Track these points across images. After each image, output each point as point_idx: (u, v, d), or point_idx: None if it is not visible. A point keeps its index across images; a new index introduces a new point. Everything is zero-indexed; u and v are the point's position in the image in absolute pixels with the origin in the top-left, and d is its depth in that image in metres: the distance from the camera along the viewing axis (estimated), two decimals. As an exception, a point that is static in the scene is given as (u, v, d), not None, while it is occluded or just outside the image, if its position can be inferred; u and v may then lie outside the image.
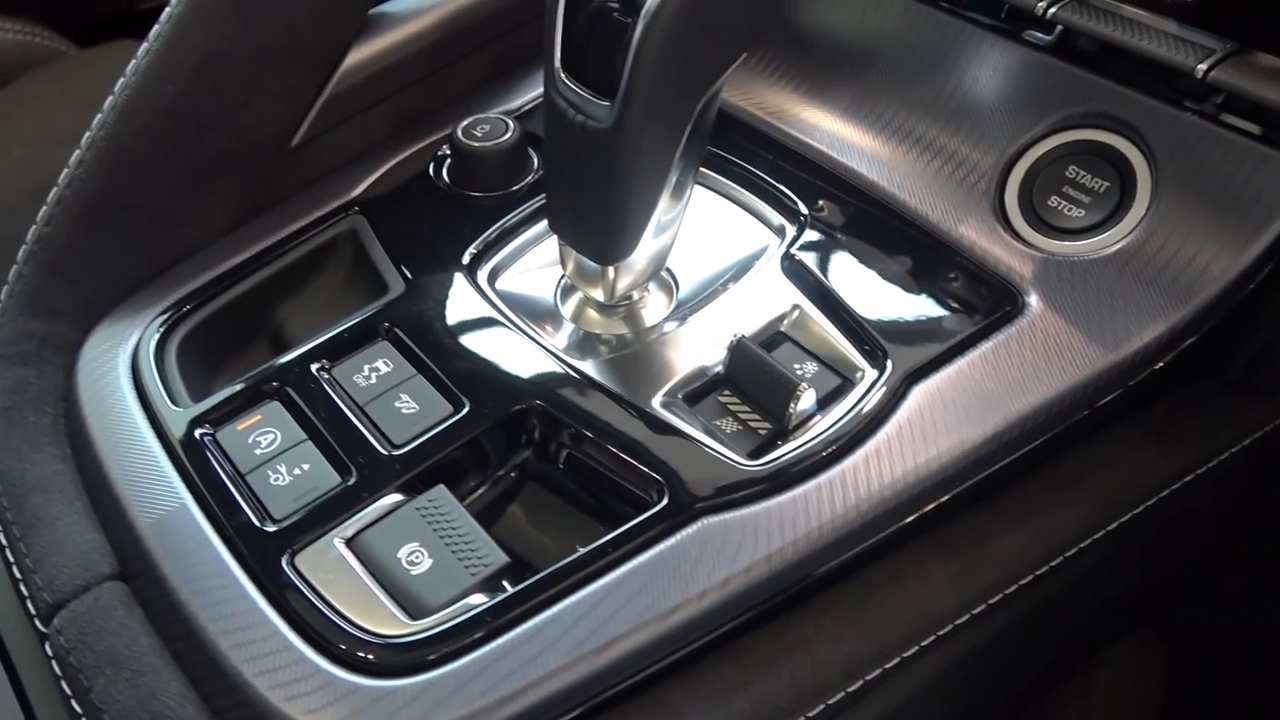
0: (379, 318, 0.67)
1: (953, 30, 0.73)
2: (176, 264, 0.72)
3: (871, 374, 0.62)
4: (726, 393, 0.63)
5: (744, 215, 0.74)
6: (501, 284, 0.71)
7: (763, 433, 0.61)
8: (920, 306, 0.65)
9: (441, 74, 0.82)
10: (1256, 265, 0.62)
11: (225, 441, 0.61)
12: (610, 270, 0.64)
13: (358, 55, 0.76)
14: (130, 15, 1.53)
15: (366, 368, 0.64)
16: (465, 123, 0.76)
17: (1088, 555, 0.64)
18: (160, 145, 0.69)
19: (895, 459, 0.58)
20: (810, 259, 0.68)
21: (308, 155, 0.76)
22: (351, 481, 0.59)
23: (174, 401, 0.64)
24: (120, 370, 0.66)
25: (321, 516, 0.57)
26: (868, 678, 0.57)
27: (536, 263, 0.73)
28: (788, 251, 0.69)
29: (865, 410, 0.60)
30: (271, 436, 0.61)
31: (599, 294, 0.66)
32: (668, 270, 0.70)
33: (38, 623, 0.58)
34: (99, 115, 0.69)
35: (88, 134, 0.69)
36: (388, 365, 0.64)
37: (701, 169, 0.72)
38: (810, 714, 0.55)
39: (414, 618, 0.53)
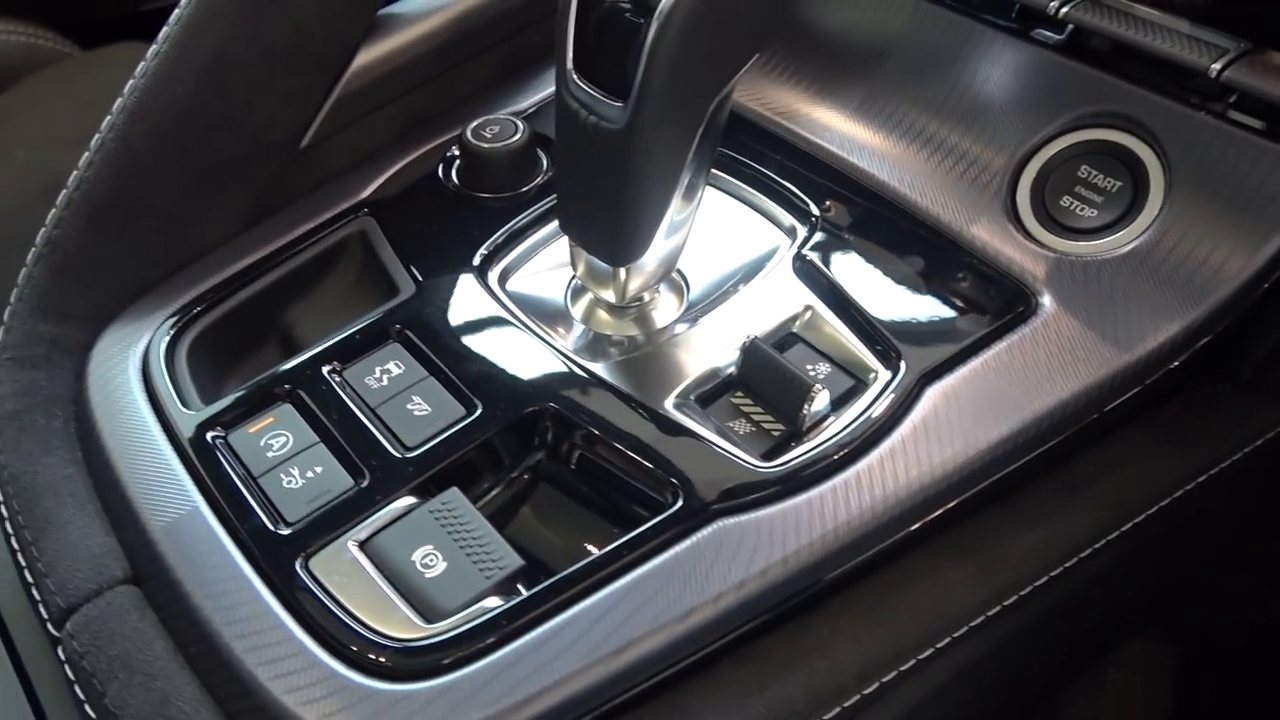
0: (390, 319, 0.67)
1: (963, 30, 0.73)
2: (186, 266, 0.72)
3: (885, 375, 0.62)
4: (739, 394, 0.63)
5: (754, 216, 0.73)
6: (512, 285, 0.71)
7: (776, 434, 0.61)
8: (933, 307, 0.65)
9: (449, 75, 0.82)
10: (1271, 265, 0.62)
11: (237, 444, 0.61)
12: (622, 272, 0.64)
13: (366, 56, 0.76)
14: (133, 17, 1.53)
15: (378, 370, 0.64)
16: (474, 124, 0.75)
17: (1101, 556, 0.64)
18: (169, 147, 0.69)
19: (910, 460, 0.58)
20: (822, 260, 0.68)
21: (316, 157, 0.76)
22: (364, 484, 0.58)
23: (185, 404, 0.64)
24: (131, 373, 0.66)
25: (335, 520, 0.57)
26: (883, 680, 0.57)
27: (546, 264, 0.72)
28: (799, 252, 0.69)
29: (879, 412, 0.60)
30: (284, 439, 0.61)
31: (610, 295, 0.66)
32: (678, 271, 0.70)
33: (50, 627, 0.57)
34: (108, 117, 0.69)
35: (97, 136, 0.69)
36: (399, 367, 0.64)
37: (711, 170, 0.72)
38: (826, 717, 0.55)
39: (429, 621, 0.53)
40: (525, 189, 0.75)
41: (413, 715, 0.50)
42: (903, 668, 0.57)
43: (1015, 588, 0.61)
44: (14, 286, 0.73)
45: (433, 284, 0.69)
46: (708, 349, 0.65)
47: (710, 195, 0.73)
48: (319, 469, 0.59)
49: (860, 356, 0.64)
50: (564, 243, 0.72)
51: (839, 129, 0.75)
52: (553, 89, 0.82)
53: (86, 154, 0.69)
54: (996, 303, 0.65)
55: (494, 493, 0.61)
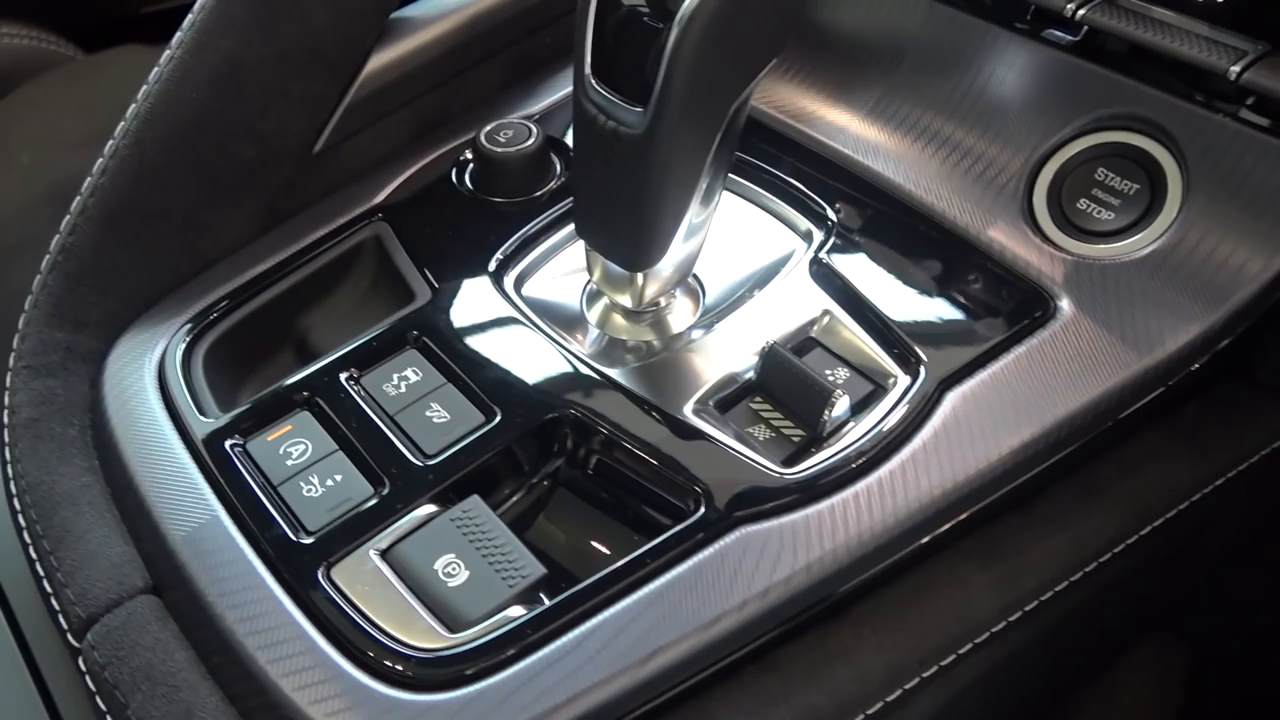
0: (406, 326, 0.66)
1: (978, 31, 0.72)
2: (200, 272, 0.71)
3: (905, 380, 0.62)
4: (758, 399, 0.63)
5: (770, 220, 0.73)
6: (527, 290, 0.70)
7: (796, 440, 0.61)
8: (951, 311, 0.65)
9: (461, 78, 0.81)
10: (1291, 267, 0.62)
11: (256, 452, 0.61)
12: (639, 276, 0.64)
13: (379, 60, 0.76)
14: (134, 18, 1.53)
15: (396, 376, 0.64)
16: (488, 128, 0.75)
17: (1120, 560, 0.64)
18: (184, 153, 0.69)
19: (932, 466, 0.58)
20: (839, 264, 0.68)
21: (330, 161, 0.75)
22: (385, 492, 0.58)
23: (202, 412, 0.64)
24: (147, 380, 0.65)
25: (356, 528, 0.57)
26: (907, 687, 0.57)
27: (561, 269, 0.72)
28: (816, 256, 0.69)
29: (900, 417, 0.60)
30: (302, 447, 0.61)
31: (627, 300, 0.66)
32: (694, 276, 0.70)
33: (70, 638, 0.57)
34: (122, 123, 0.69)
35: (110, 142, 0.68)
36: (417, 374, 0.64)
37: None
38: None
39: (453, 631, 0.53)
40: (539, 193, 0.75)
41: (439, 726, 0.50)
42: (925, 674, 0.57)
43: (1036, 593, 0.61)
44: (20, 291, 0.73)
45: (449, 290, 0.68)
46: (725, 354, 0.65)
47: (725, 199, 0.73)
48: (339, 477, 0.59)
49: (879, 361, 0.64)
50: (579, 247, 0.72)
51: (854, 131, 0.75)
52: (564, 92, 0.83)
53: (100, 160, 0.68)
54: (1015, 306, 0.65)
55: (514, 500, 0.61)
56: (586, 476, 0.62)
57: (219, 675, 0.54)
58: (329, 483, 0.59)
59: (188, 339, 0.68)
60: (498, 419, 0.61)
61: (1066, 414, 0.60)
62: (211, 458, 0.61)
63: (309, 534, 0.57)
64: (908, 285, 0.67)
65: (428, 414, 0.62)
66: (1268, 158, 0.62)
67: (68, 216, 0.68)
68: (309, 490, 0.59)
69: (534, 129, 0.75)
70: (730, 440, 0.60)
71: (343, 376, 0.64)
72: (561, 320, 0.68)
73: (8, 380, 0.66)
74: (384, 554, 0.56)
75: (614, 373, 0.64)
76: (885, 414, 0.60)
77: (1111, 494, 0.64)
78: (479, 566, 0.55)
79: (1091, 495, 0.64)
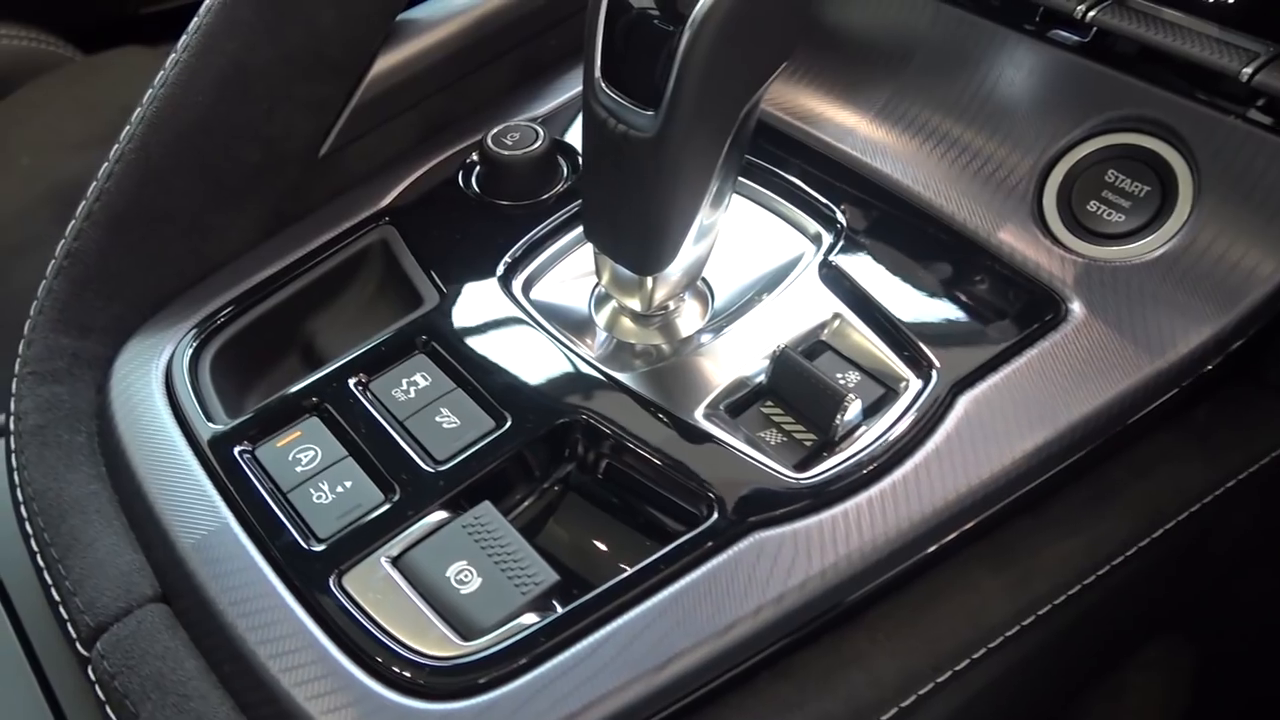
0: (415, 330, 0.66)
1: (986, 32, 0.72)
2: (206, 277, 0.71)
3: (916, 384, 0.62)
4: (769, 404, 0.63)
5: (778, 223, 0.73)
6: (535, 294, 0.70)
7: (808, 444, 0.61)
8: (962, 314, 0.65)
9: (467, 80, 0.81)
10: (1303, 268, 0.62)
11: (265, 459, 0.60)
12: (648, 280, 0.63)
13: (384, 63, 0.75)
14: (133, 19, 1.52)
15: (405, 382, 0.63)
16: (495, 131, 0.75)
17: (1132, 563, 0.63)
18: (189, 157, 0.68)
19: (946, 470, 0.58)
20: (849, 267, 0.68)
21: (335, 164, 0.75)
22: (396, 499, 0.58)
23: (210, 418, 0.63)
24: (154, 386, 0.65)
25: (367, 535, 0.56)
26: (921, 692, 0.56)
27: (569, 272, 0.72)
28: (825, 259, 0.68)
29: (913, 421, 0.59)
30: (312, 453, 0.60)
31: (636, 304, 0.66)
32: (702, 279, 0.70)
33: (79, 646, 0.57)
34: (127, 127, 0.68)
35: (116, 146, 0.68)
36: (426, 379, 0.64)
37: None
38: None
39: (466, 639, 0.53)
40: (546, 196, 0.74)
41: (453, 735, 0.49)
42: (939, 679, 0.57)
43: (1049, 597, 0.60)
44: (21, 292, 0.72)
45: (457, 294, 0.68)
46: (735, 358, 0.65)
47: (734, 202, 0.73)
48: (349, 483, 0.59)
49: (890, 365, 0.63)
50: (586, 251, 0.72)
51: (862, 133, 0.74)
52: (570, 94, 0.83)
53: (105, 164, 0.68)
54: (1026, 309, 0.65)
55: (524, 506, 0.61)
56: (597, 482, 0.61)
57: (230, 684, 0.54)
58: (339, 489, 0.59)
59: (194, 344, 0.67)
60: (508, 424, 0.61)
61: (1080, 417, 0.60)
62: (220, 464, 0.60)
63: (320, 541, 0.56)
64: (918, 288, 0.66)
65: (437, 419, 0.61)
66: (1279, 159, 0.62)
67: (73, 221, 0.68)
68: (319, 497, 0.58)
69: (541, 131, 0.75)
70: (742, 445, 0.60)
71: (351, 382, 0.64)
72: (570, 324, 0.68)
73: (13, 386, 0.66)
74: (395, 561, 0.56)
75: (624, 377, 0.63)
76: (898, 418, 0.60)
77: (1123, 497, 0.64)
78: (491, 573, 0.54)
79: (1103, 498, 0.64)
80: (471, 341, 0.65)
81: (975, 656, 0.58)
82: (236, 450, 0.61)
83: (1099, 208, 0.67)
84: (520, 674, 0.51)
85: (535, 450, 0.60)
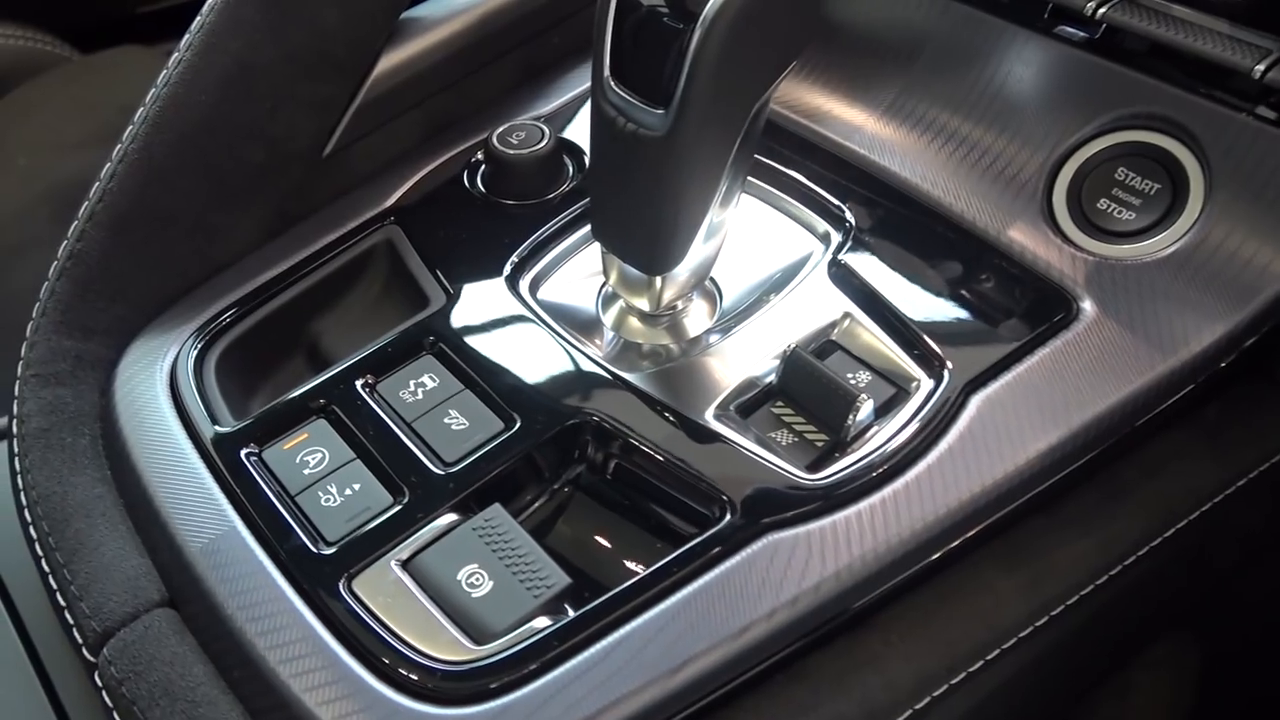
0: (422, 331, 0.65)
1: (995, 29, 0.72)
2: (210, 278, 0.70)
3: (928, 383, 0.61)
4: (779, 404, 0.62)
5: (786, 222, 0.72)
6: (542, 294, 0.69)
7: (819, 445, 0.60)
8: (972, 313, 0.64)
9: (471, 79, 0.80)
10: (1316, 265, 0.61)
11: (272, 461, 0.60)
12: (657, 280, 0.63)
13: (388, 61, 0.75)
14: (129, 18, 1.51)
15: (412, 383, 0.63)
16: (500, 130, 0.74)
17: (1145, 562, 0.63)
18: (193, 156, 0.68)
19: (959, 470, 0.57)
20: (858, 266, 0.67)
21: (340, 164, 0.74)
22: (405, 501, 0.57)
23: (215, 420, 0.63)
24: (158, 388, 0.64)
25: (376, 538, 0.56)
26: (935, 694, 0.56)
27: (575, 272, 0.71)
28: (835, 258, 0.68)
29: (925, 421, 0.59)
30: (319, 456, 0.60)
31: (644, 304, 0.65)
32: (710, 279, 0.69)
33: (85, 652, 0.56)
34: (129, 127, 0.67)
35: (118, 146, 0.67)
36: (433, 380, 0.63)
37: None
38: None
39: (478, 643, 0.52)
40: (552, 195, 0.74)
41: (466, 740, 0.49)
42: (953, 681, 0.57)
43: (1063, 597, 0.60)
44: (20, 292, 0.72)
45: (463, 294, 0.67)
46: (745, 358, 0.64)
47: (741, 201, 0.72)
48: (357, 486, 0.58)
49: (901, 364, 0.63)
50: (592, 250, 0.72)
51: (870, 131, 0.74)
52: (573, 93, 0.82)
53: (108, 164, 0.67)
54: (1036, 308, 0.64)
55: (534, 508, 0.60)
56: (608, 483, 0.61)
57: (239, 690, 0.53)
58: (347, 492, 0.58)
59: (199, 346, 0.67)
60: (517, 425, 0.60)
61: (1093, 416, 0.60)
62: (227, 467, 0.60)
63: (329, 544, 0.56)
64: (928, 287, 0.66)
65: (446, 421, 0.61)
66: (1292, 157, 0.62)
67: (75, 222, 0.67)
68: (327, 500, 0.58)
69: (546, 130, 0.74)
70: (753, 445, 0.59)
71: (358, 383, 0.63)
72: (577, 324, 0.67)
73: (15, 389, 0.65)
74: (405, 564, 0.55)
75: (633, 377, 0.63)
76: (910, 418, 0.60)
77: (1135, 496, 0.64)
78: (503, 576, 0.54)
79: (1115, 498, 0.63)
80: (479, 342, 0.65)
81: (989, 658, 0.58)
82: (243, 453, 0.60)
83: (1109, 205, 0.66)
84: (533, 678, 0.50)
85: (545, 452, 0.60)
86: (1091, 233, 0.66)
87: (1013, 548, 0.60)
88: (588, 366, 0.63)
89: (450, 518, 0.57)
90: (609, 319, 0.68)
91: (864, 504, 0.56)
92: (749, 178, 0.73)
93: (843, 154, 0.73)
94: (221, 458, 0.60)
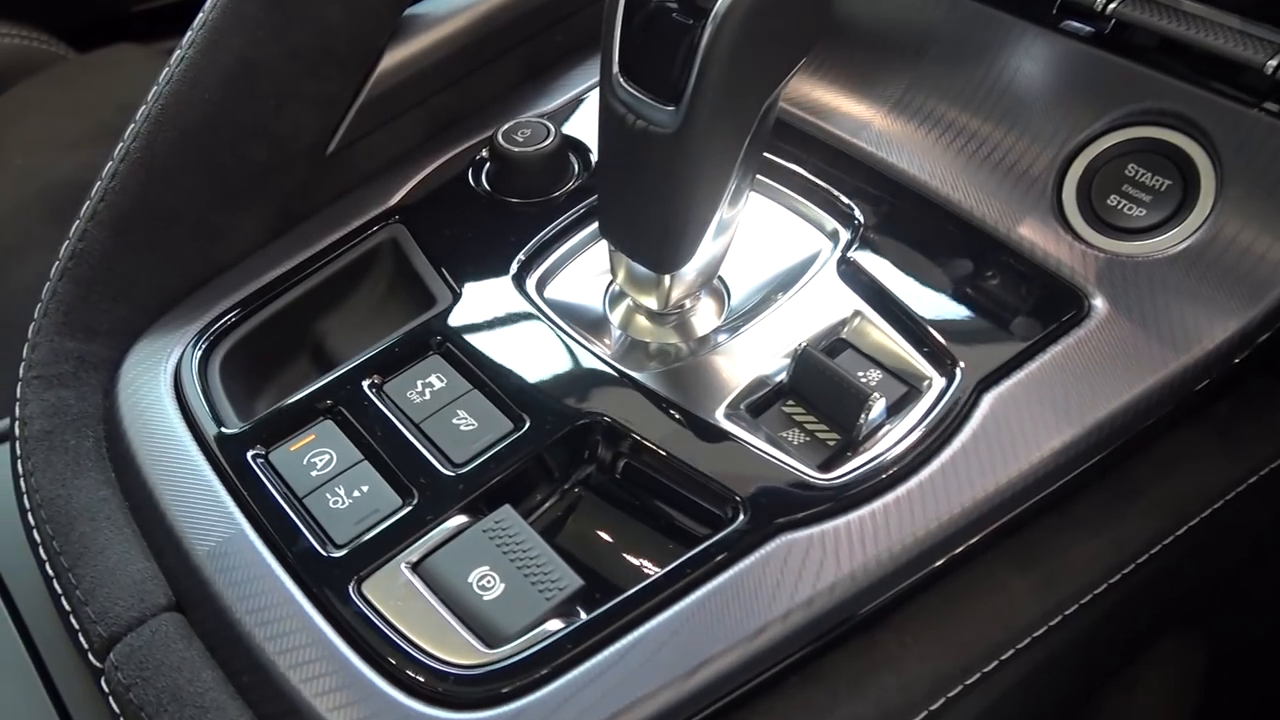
0: (429, 331, 0.65)
1: (1004, 25, 0.71)
2: (214, 278, 0.70)
3: (939, 382, 0.61)
4: (790, 403, 0.62)
5: (794, 219, 0.72)
6: (549, 293, 0.69)
7: (831, 444, 0.60)
8: (983, 311, 0.64)
9: (473, 76, 0.80)
10: (1328, 261, 0.61)
11: (279, 463, 0.59)
12: (666, 278, 0.62)
13: (392, 58, 0.74)
14: (125, 17, 1.51)
15: (420, 383, 0.62)
16: (505, 127, 0.74)
17: (1157, 560, 0.63)
18: (196, 155, 0.67)
19: (973, 469, 0.57)
20: (868, 263, 0.67)
21: (343, 162, 0.74)
22: (414, 503, 0.57)
23: (221, 421, 0.62)
24: (162, 390, 0.64)
25: (386, 541, 0.55)
26: (950, 695, 0.56)
27: (582, 271, 0.71)
28: (844, 256, 0.67)
29: (938, 420, 0.59)
30: (327, 457, 0.59)
31: (652, 302, 0.65)
32: (718, 277, 0.69)
33: (92, 658, 0.55)
34: (131, 125, 0.67)
35: (120, 144, 0.66)
36: (441, 380, 0.62)
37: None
38: None
39: (490, 646, 0.52)
40: (557, 193, 0.73)
41: (481, 745, 0.48)
42: (968, 681, 0.56)
43: (1076, 597, 0.60)
44: (17, 292, 0.71)
45: (470, 293, 0.67)
46: (754, 357, 0.64)
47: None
48: (365, 488, 0.58)
49: (912, 362, 0.62)
50: (598, 249, 0.71)
51: (878, 127, 0.73)
52: (576, 90, 0.82)
53: (110, 163, 0.66)
54: (1048, 305, 0.64)
55: (544, 509, 0.60)
56: (618, 483, 0.60)
57: (249, 695, 0.53)
58: (355, 494, 0.57)
59: (203, 347, 0.66)
60: (526, 426, 0.60)
61: (1106, 414, 0.59)
62: (233, 469, 0.59)
63: (338, 547, 0.55)
64: (938, 285, 0.65)
65: (454, 421, 0.60)
66: (1303, 152, 0.61)
67: (76, 222, 0.66)
68: (335, 502, 0.57)
69: (551, 128, 0.74)
70: (764, 445, 0.59)
71: (365, 384, 0.62)
72: (584, 323, 0.67)
73: (18, 391, 0.64)
74: (415, 567, 0.54)
75: (642, 376, 0.62)
76: (922, 417, 0.59)
77: (1147, 494, 0.63)
78: (514, 579, 0.53)
79: (1127, 496, 0.63)
80: (487, 341, 0.64)
81: (1004, 658, 0.57)
82: (249, 454, 0.60)
83: (1120, 202, 0.66)
84: (547, 682, 0.50)
85: (555, 452, 0.59)
86: (1102, 229, 0.66)
87: (1026, 547, 0.60)
88: (596, 365, 0.63)
89: (460, 519, 0.56)
90: (616, 317, 0.68)
91: (878, 503, 0.56)
92: (757, 174, 0.73)
93: (850, 150, 0.73)
94: (228, 459, 0.59)
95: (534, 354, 0.64)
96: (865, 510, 0.55)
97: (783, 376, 0.62)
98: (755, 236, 0.70)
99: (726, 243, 0.64)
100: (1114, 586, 0.61)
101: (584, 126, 0.77)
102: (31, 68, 1.28)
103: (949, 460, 0.57)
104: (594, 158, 0.75)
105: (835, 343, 0.64)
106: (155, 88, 0.67)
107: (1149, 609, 0.71)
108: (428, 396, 0.62)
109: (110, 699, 0.54)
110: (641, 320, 0.67)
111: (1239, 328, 0.61)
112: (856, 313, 0.65)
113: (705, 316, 0.67)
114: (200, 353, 0.66)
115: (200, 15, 0.67)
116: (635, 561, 0.57)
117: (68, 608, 0.57)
